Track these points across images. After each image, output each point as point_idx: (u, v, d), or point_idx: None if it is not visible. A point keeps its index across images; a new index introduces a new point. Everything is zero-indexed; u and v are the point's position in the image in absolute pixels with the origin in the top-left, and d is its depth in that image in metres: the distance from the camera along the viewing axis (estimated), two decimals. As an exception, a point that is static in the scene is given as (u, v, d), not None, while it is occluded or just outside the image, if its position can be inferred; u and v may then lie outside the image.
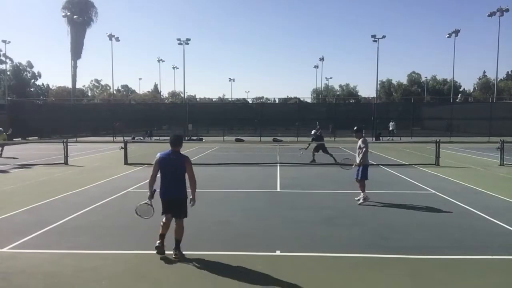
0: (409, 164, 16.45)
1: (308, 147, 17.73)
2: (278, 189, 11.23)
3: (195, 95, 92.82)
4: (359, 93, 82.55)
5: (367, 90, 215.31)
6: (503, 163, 16.08)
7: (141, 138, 32.68)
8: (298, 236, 6.83)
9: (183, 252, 5.81)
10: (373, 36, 48.10)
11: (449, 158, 18.51)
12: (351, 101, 70.83)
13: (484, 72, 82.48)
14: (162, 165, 5.74)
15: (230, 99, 75.27)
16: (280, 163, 16.82)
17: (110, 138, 33.11)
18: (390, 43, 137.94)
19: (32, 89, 76.62)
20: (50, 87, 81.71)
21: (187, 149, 21.81)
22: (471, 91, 79.86)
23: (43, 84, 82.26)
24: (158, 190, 5.88)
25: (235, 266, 5.49)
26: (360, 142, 9.33)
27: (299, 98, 48.06)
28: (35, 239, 6.62)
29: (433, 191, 10.73)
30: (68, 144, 17.23)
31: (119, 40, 54.92)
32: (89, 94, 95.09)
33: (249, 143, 28.21)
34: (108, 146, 26.25)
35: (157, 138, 32.72)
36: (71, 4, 56.92)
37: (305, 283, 4.96)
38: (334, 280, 5.10)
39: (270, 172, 14.34)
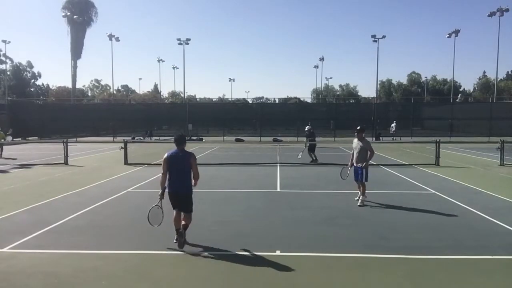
0: (409, 164, 16.45)
1: (306, 145, 17.76)
2: (278, 189, 11.23)
3: (195, 95, 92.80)
4: (359, 93, 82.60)
5: (367, 90, 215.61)
6: (503, 163, 16.08)
7: (141, 138, 32.67)
8: (298, 236, 6.83)
9: (184, 252, 5.91)
10: (373, 36, 48.21)
11: (449, 158, 18.51)
12: (351, 101, 70.82)
13: (484, 72, 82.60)
14: (170, 162, 6.21)
15: (230, 99, 75.25)
16: (280, 163, 16.82)
17: (110, 138, 33.12)
18: (390, 43, 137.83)
19: (32, 89, 76.64)
20: (50, 87, 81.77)
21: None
22: (471, 91, 79.87)
23: (43, 84, 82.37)
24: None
25: (235, 266, 5.48)
26: (361, 142, 9.27)
27: (299, 98, 47.99)
28: (35, 239, 6.61)
29: (433, 191, 10.73)
30: (68, 144, 17.22)
31: (119, 40, 54.99)
32: (89, 94, 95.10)
33: (249, 143, 28.19)
34: (108, 146, 26.25)
35: (157, 138, 32.74)
36: (71, 4, 56.84)
37: (305, 283, 4.97)
38: (334, 280, 5.09)
39: (270, 172, 14.34)
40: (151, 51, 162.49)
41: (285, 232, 7.08)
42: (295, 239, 6.68)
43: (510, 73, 78.96)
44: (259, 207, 9.01)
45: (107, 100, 63.32)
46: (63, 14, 56.43)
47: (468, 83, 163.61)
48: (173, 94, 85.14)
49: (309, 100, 70.12)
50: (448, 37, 55.85)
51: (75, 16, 54.56)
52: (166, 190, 6.25)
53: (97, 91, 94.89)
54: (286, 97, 73.94)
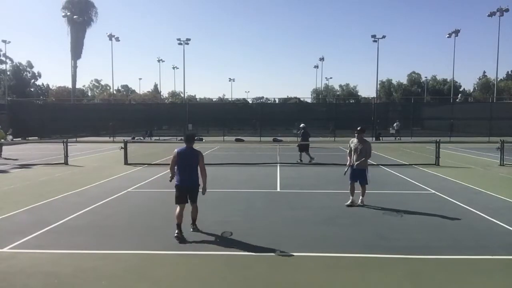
0: (409, 164, 16.45)
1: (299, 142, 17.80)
2: (278, 189, 11.23)
3: (195, 95, 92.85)
4: (359, 93, 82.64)
5: (367, 90, 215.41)
6: (503, 163, 16.08)
7: (141, 138, 32.66)
8: (298, 236, 6.82)
9: (184, 252, 5.92)
10: (373, 36, 48.21)
11: (449, 158, 18.50)
12: (351, 101, 70.81)
13: (484, 72, 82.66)
14: (179, 158, 6.65)
15: (230, 99, 75.25)
16: (280, 163, 16.83)
17: (110, 138, 33.11)
18: (390, 43, 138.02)
19: (32, 89, 76.62)
20: (50, 87, 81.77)
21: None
22: (471, 91, 79.86)
23: (43, 84, 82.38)
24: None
25: (235, 266, 5.49)
26: (361, 144, 9.21)
27: (299, 98, 48.14)
28: (35, 239, 6.61)
29: (433, 191, 10.73)
30: (68, 144, 17.22)
31: (119, 40, 54.99)
32: (89, 94, 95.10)
33: (249, 143, 28.18)
34: (108, 146, 26.24)
35: (157, 138, 32.73)
36: (71, 4, 56.83)
37: (305, 283, 4.96)
38: (334, 280, 5.09)
39: (270, 172, 14.34)
40: (151, 51, 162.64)
41: (285, 232, 7.08)
42: (295, 239, 6.67)
43: (510, 73, 78.97)
44: (259, 207, 9.01)
45: (107, 100, 63.32)
46: (63, 14, 56.44)
47: (468, 83, 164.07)
48: (173, 94, 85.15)
49: (309, 100, 70.27)
50: (448, 37, 55.93)
51: (75, 16, 54.56)
52: (175, 182, 6.69)
53: (97, 91, 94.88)
54: (286, 97, 74.03)
